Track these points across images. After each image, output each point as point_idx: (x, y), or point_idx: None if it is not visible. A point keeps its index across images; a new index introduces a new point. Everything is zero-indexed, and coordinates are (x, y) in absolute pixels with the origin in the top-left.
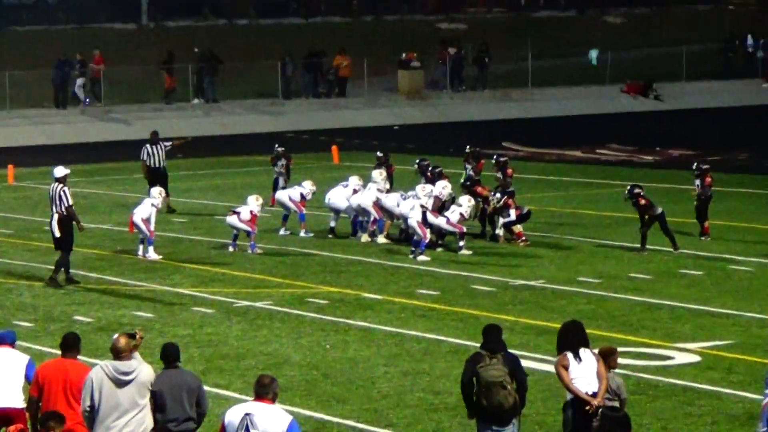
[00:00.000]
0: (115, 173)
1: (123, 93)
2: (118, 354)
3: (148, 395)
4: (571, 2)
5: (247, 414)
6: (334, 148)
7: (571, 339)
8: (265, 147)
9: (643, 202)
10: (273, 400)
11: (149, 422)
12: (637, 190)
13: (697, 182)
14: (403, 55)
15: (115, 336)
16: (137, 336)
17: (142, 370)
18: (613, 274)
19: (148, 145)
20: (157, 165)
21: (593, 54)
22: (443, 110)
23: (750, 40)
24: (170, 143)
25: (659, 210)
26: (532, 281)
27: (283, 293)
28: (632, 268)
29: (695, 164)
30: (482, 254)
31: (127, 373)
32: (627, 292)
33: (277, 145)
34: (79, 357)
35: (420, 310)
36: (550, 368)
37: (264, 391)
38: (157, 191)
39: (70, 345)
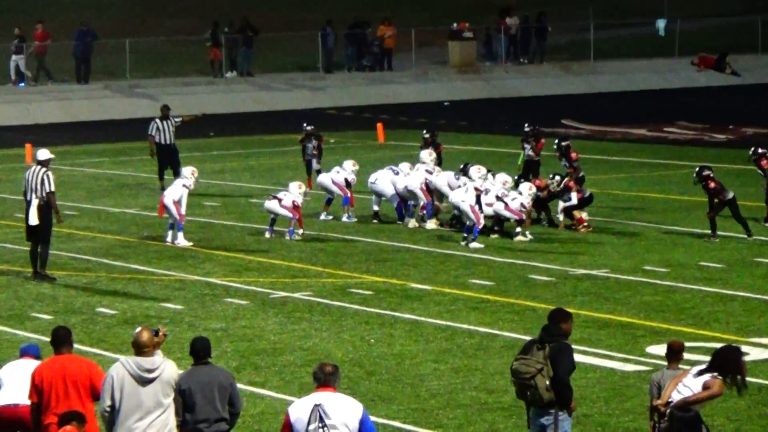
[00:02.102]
0: (142, 153)
1: (147, 66)
2: (140, 349)
3: (173, 394)
4: None
5: (317, 405)
6: (379, 125)
7: (715, 361)
8: (303, 125)
9: (712, 185)
10: (337, 389)
11: (173, 424)
12: (706, 172)
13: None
14: (454, 24)
15: (137, 330)
16: (160, 333)
17: (167, 367)
18: (682, 263)
19: (157, 120)
20: (166, 142)
21: (661, 24)
22: (498, 85)
23: None
24: (180, 119)
25: (731, 194)
26: (594, 270)
27: (324, 283)
28: (703, 257)
29: (752, 150)
30: (540, 241)
31: (150, 370)
32: (697, 282)
33: (305, 124)
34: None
35: (472, 301)
36: (614, 365)
37: (330, 379)
38: (189, 170)
39: (63, 340)
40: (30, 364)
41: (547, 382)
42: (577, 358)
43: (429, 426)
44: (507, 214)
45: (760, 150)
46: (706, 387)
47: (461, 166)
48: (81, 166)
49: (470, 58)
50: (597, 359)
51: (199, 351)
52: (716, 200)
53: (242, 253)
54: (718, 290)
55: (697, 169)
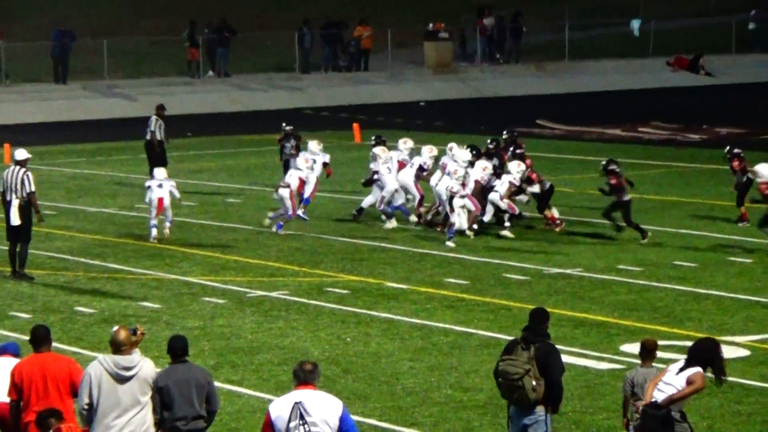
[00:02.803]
0: (119, 153)
1: (125, 66)
2: (118, 347)
3: (150, 392)
4: None
5: (297, 403)
6: (355, 125)
7: (694, 354)
8: (281, 125)
9: (614, 181)
10: (316, 387)
11: (151, 422)
12: (612, 167)
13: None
14: (430, 25)
15: (115, 329)
16: (138, 332)
17: (144, 366)
18: (656, 262)
19: (156, 118)
20: (160, 139)
21: (635, 24)
22: (474, 85)
23: None
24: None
25: (627, 197)
26: (569, 269)
27: (301, 282)
28: (676, 256)
29: (727, 149)
30: (515, 240)
31: (128, 368)
32: (671, 281)
33: (284, 124)
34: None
35: (448, 300)
36: (588, 363)
37: (310, 377)
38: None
39: (42, 339)
40: (9, 362)
41: (534, 383)
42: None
43: (404, 424)
44: (503, 204)
45: (735, 150)
46: (690, 382)
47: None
48: (59, 166)
49: (446, 58)
50: (572, 357)
51: (177, 349)
52: (614, 199)
53: (219, 252)
54: (692, 289)
55: (605, 161)
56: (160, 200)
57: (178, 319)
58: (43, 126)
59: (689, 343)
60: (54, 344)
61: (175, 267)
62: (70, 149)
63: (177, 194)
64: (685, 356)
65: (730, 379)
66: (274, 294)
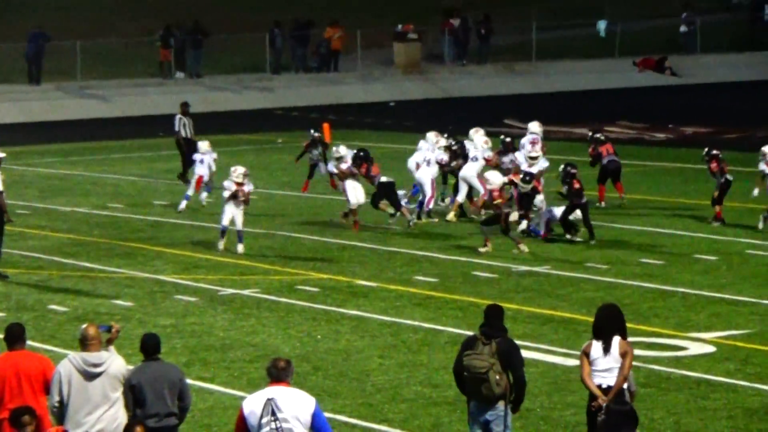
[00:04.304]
0: (93, 153)
1: (98, 68)
2: (85, 343)
3: (121, 389)
4: None
5: (269, 399)
6: (325, 125)
7: (602, 325)
8: (252, 125)
9: (577, 186)
10: (290, 384)
11: (123, 418)
12: (573, 170)
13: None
14: (400, 26)
15: (83, 326)
16: (113, 329)
17: (113, 362)
18: (623, 260)
19: (180, 116)
20: (190, 136)
21: (602, 25)
22: (442, 85)
23: None
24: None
25: (584, 200)
26: (536, 267)
27: (272, 280)
28: (643, 253)
29: (705, 150)
30: (482, 238)
31: (96, 365)
32: (637, 278)
33: (312, 131)
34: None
35: (417, 298)
36: (556, 359)
37: (283, 374)
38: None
39: (16, 337)
40: None
41: (497, 377)
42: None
43: (374, 420)
44: (475, 182)
45: (713, 152)
46: (623, 354)
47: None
48: (33, 166)
49: (415, 59)
50: (539, 354)
51: (149, 347)
52: (572, 202)
53: (191, 250)
54: (658, 286)
55: (563, 165)
56: (199, 178)
57: (151, 317)
58: (18, 126)
59: (656, 340)
60: (28, 342)
61: (147, 265)
62: (44, 149)
63: (214, 167)
64: (593, 339)
65: (696, 374)
66: (245, 292)
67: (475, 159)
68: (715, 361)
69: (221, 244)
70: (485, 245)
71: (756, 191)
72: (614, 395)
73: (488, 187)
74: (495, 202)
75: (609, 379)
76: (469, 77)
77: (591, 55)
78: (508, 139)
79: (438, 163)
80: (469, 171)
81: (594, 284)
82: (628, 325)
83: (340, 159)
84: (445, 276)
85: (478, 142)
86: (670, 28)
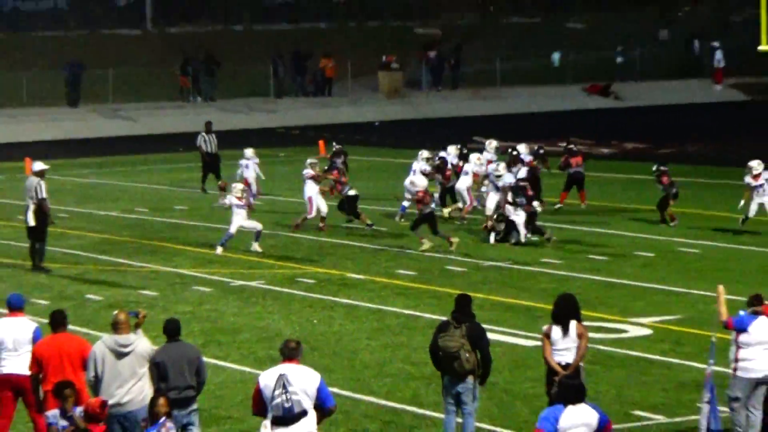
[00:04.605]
0: (121, 165)
1: (128, 92)
2: (116, 326)
3: (147, 366)
4: (537, 8)
5: (281, 374)
6: (321, 141)
7: (560, 311)
8: (258, 141)
9: (420, 195)
10: (299, 362)
11: (148, 390)
12: (522, 183)
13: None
14: (384, 57)
15: (115, 312)
16: (140, 315)
17: (140, 343)
18: (574, 256)
19: (204, 134)
20: (212, 151)
21: (556, 56)
22: (420, 108)
23: (697, 44)
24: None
25: (428, 210)
26: (501, 263)
27: (275, 273)
28: (590, 251)
29: (655, 166)
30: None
31: (125, 345)
32: (586, 272)
33: (334, 144)
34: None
35: (399, 288)
36: (517, 341)
37: (294, 353)
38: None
39: (58, 322)
40: (15, 322)
41: (467, 355)
42: (487, 335)
43: (363, 392)
44: (465, 195)
45: (662, 168)
46: (580, 335)
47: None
48: (71, 177)
49: (397, 85)
50: (503, 336)
51: (171, 330)
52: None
53: (207, 248)
54: (604, 279)
55: (516, 179)
56: (245, 181)
57: (172, 304)
58: (58, 143)
59: (602, 325)
60: (69, 326)
61: (169, 261)
62: (80, 162)
63: (258, 171)
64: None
65: (637, 353)
66: (252, 283)
67: (466, 173)
68: (652, 342)
69: (221, 250)
70: (422, 243)
71: (743, 202)
72: (573, 370)
73: (413, 189)
74: (419, 203)
75: (567, 357)
76: (443, 101)
77: (546, 81)
78: (515, 152)
79: (423, 173)
80: (462, 184)
81: (549, 277)
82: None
83: (313, 164)
84: (424, 270)
85: (473, 157)
86: (612, 59)
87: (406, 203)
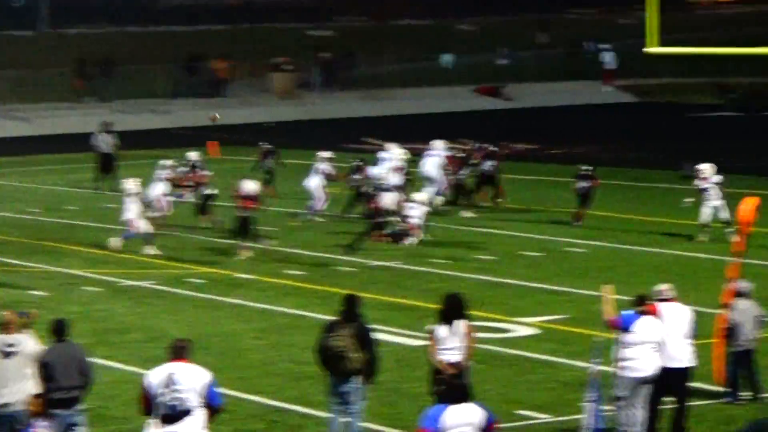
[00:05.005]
0: (16, 166)
1: (24, 93)
2: (4, 327)
3: (34, 366)
4: (428, 11)
5: (170, 373)
6: (212, 142)
7: (447, 310)
8: (154, 142)
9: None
10: (188, 361)
11: (34, 391)
12: (372, 193)
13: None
14: (277, 59)
15: (3, 312)
16: (31, 315)
17: (28, 343)
18: (462, 256)
19: (99, 134)
20: (108, 151)
21: (447, 58)
22: (313, 109)
23: (592, 46)
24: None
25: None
26: (389, 262)
27: (165, 274)
28: (478, 251)
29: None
30: (346, 238)
31: (12, 345)
32: (474, 271)
33: (261, 143)
34: None
35: (287, 288)
36: (405, 340)
37: (183, 352)
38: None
39: None
40: None
41: (355, 355)
42: (374, 334)
43: (250, 392)
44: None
45: (583, 168)
46: (467, 334)
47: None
48: None
49: (290, 86)
50: (390, 336)
51: (59, 330)
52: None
53: (98, 249)
54: (491, 278)
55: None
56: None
57: (62, 305)
58: None
59: (487, 324)
60: None
61: (60, 261)
62: None
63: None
64: (440, 322)
65: (523, 353)
66: (142, 283)
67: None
68: (538, 341)
69: (151, 249)
70: (240, 254)
71: (691, 200)
72: (459, 370)
73: (242, 193)
74: (249, 207)
75: (453, 356)
76: (336, 102)
77: (437, 83)
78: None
79: (324, 174)
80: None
81: (437, 277)
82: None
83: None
84: (311, 270)
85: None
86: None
87: (312, 203)
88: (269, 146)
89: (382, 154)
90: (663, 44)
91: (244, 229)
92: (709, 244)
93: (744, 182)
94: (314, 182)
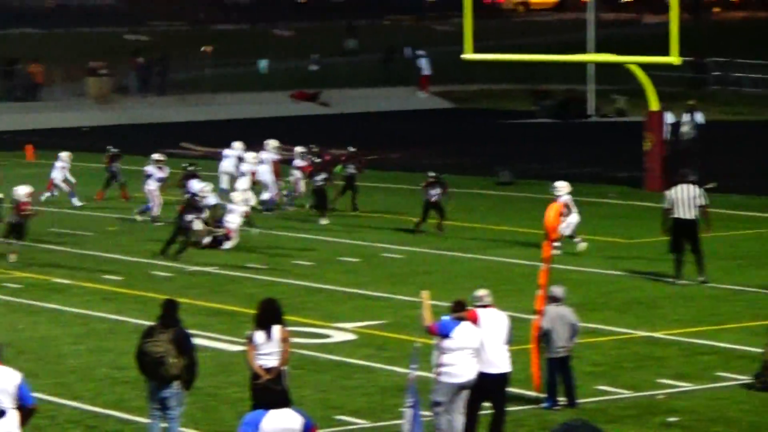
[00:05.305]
0: None
1: None
2: None
3: None
4: (244, 16)
5: None
6: (28, 147)
7: (263, 315)
8: None
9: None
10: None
11: None
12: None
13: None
14: (93, 63)
15: None
16: None
17: None
18: (280, 262)
19: None
20: None
21: (263, 63)
22: (130, 113)
23: (409, 52)
24: None
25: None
26: (207, 267)
27: None
28: (297, 256)
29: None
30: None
31: None
32: (291, 277)
33: (108, 147)
34: None
35: (105, 293)
36: (222, 345)
37: None
38: None
39: None
40: None
41: (173, 360)
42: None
43: (68, 397)
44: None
45: (431, 175)
46: (284, 339)
47: None
48: None
49: (106, 90)
50: (208, 341)
51: None
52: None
53: None
54: (308, 284)
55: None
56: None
57: None
58: None
59: (305, 329)
60: None
61: None
62: None
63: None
64: (256, 328)
65: (340, 358)
66: None
67: (243, 174)
68: (355, 347)
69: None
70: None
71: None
72: (276, 375)
73: (16, 198)
74: (22, 213)
75: (270, 361)
76: (152, 107)
77: (254, 88)
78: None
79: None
80: (241, 185)
81: (254, 282)
82: (286, 317)
83: None
84: (130, 275)
85: (248, 156)
86: (322, 66)
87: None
88: (116, 150)
89: (226, 152)
90: (479, 51)
91: (17, 233)
92: (522, 250)
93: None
94: (148, 186)
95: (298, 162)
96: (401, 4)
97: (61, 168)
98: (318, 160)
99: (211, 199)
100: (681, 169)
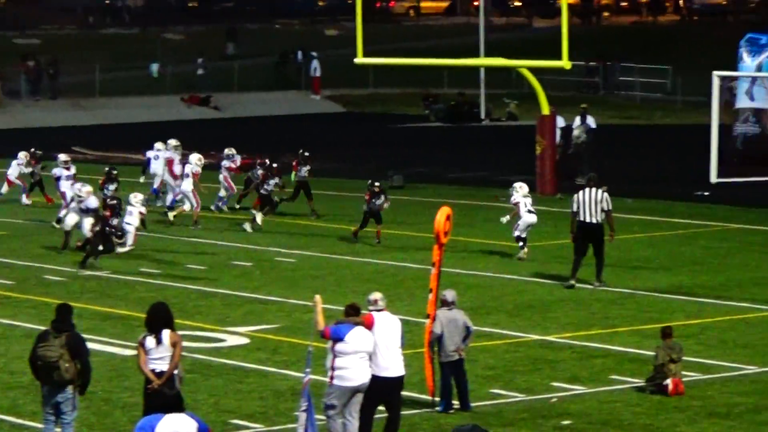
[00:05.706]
0: None
1: None
2: None
3: None
4: (135, 20)
5: None
6: None
7: (153, 320)
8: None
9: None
10: None
11: None
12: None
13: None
14: None
15: None
16: None
17: None
18: (172, 266)
19: None
20: None
21: (154, 67)
22: (20, 117)
23: (300, 56)
24: None
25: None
26: (99, 272)
27: None
28: (189, 260)
29: (369, 181)
30: (53, 247)
31: None
32: (184, 281)
33: (32, 149)
34: None
35: None
36: (115, 350)
37: None
38: None
39: None
40: None
41: (67, 365)
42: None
43: None
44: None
45: (376, 183)
46: (174, 343)
47: None
48: None
49: None
50: (101, 345)
51: None
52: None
53: None
54: (201, 288)
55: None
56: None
57: None
58: None
59: (198, 333)
60: None
61: None
62: None
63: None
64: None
65: (233, 362)
66: None
67: (187, 176)
68: (249, 351)
69: None
70: None
71: (507, 219)
72: (166, 379)
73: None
74: None
75: (162, 365)
76: (43, 111)
77: (145, 92)
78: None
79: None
80: (186, 186)
81: (147, 286)
82: (176, 321)
83: None
84: (21, 279)
85: (193, 158)
86: (214, 70)
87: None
88: (40, 152)
89: (150, 154)
90: (370, 55)
91: None
92: (413, 253)
93: (454, 192)
94: (62, 188)
95: (226, 163)
96: (293, 9)
97: (17, 165)
98: (275, 165)
99: (92, 202)
100: (590, 174)
